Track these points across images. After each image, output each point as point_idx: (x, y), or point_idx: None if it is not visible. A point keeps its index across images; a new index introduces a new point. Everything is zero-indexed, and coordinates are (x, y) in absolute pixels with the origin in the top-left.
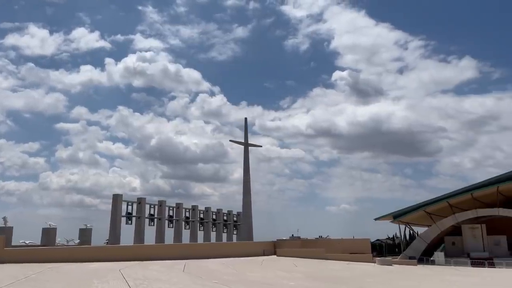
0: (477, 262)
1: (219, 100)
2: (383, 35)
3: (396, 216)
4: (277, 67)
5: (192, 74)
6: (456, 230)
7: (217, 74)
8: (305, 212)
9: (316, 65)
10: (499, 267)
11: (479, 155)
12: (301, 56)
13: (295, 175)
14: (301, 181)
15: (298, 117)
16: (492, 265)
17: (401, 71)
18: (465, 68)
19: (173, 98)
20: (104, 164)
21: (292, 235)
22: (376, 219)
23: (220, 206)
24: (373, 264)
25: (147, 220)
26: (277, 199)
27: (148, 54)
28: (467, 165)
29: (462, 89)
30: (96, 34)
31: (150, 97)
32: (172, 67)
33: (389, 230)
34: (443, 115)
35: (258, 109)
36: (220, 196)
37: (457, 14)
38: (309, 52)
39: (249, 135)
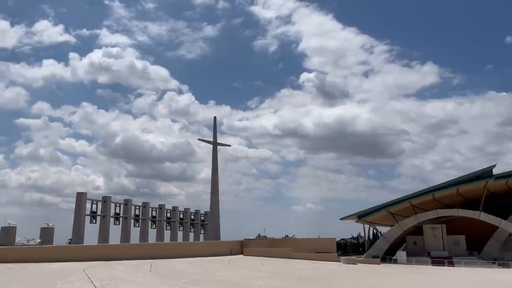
0: (437, 261)
1: (187, 98)
2: (349, 39)
3: (361, 216)
4: (245, 67)
5: (159, 72)
6: (417, 230)
7: (185, 72)
8: (271, 211)
9: (284, 66)
10: (458, 266)
11: (439, 157)
12: (270, 57)
13: (262, 175)
14: (268, 181)
15: (266, 118)
16: (451, 264)
17: (366, 74)
18: (427, 74)
19: (140, 95)
20: (66, 161)
21: (259, 234)
22: (341, 218)
23: (187, 206)
24: (338, 263)
25: (112, 219)
26: (244, 198)
27: (114, 50)
28: (427, 167)
29: (424, 94)
30: (60, 27)
31: (116, 93)
32: (139, 64)
33: (354, 229)
34: (406, 119)
35: (226, 109)
36: (187, 195)
37: (421, 21)
38: (277, 53)
39: (217, 134)
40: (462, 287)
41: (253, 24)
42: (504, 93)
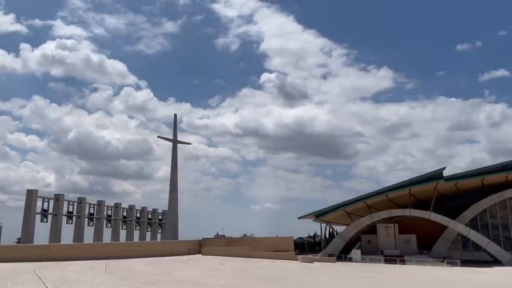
0: (390, 259)
1: (145, 94)
2: (309, 41)
3: (318, 215)
4: (206, 65)
5: (117, 66)
6: (372, 229)
7: (144, 68)
8: (230, 210)
9: (246, 65)
10: (409, 264)
11: (392, 159)
12: (231, 55)
13: (221, 174)
14: (227, 180)
15: (227, 116)
16: (403, 262)
17: (325, 77)
18: (382, 78)
19: (95, 90)
20: (15, 157)
21: (217, 233)
22: (299, 218)
23: (143, 204)
24: (296, 261)
25: (64, 218)
26: (203, 197)
27: (69, 42)
28: (381, 168)
29: (379, 97)
30: (11, 16)
31: (70, 87)
32: (95, 57)
33: (310, 228)
34: (362, 121)
35: (186, 106)
36: (144, 194)
37: (378, 26)
38: (239, 52)
39: (177, 132)
40: (412, 284)
41: (214, 22)
42: (454, 99)
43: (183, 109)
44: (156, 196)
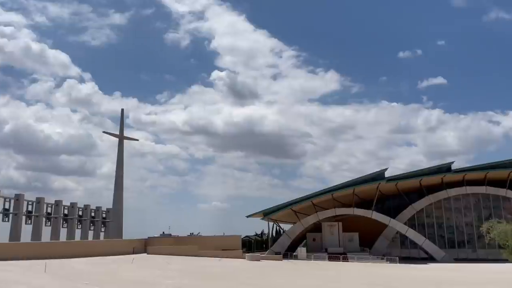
0: (333, 257)
1: (89, 88)
2: (260, 41)
3: (266, 214)
4: (155, 59)
5: (59, 57)
6: (317, 227)
7: (88, 60)
8: (177, 209)
9: (196, 62)
10: (352, 261)
11: (337, 160)
12: (182, 51)
13: (169, 172)
14: (174, 177)
15: (175, 113)
16: (346, 259)
17: (275, 77)
18: (329, 81)
19: (35, 81)
20: None
21: (163, 232)
22: (248, 216)
23: (84, 202)
24: (243, 259)
25: (0, 216)
26: (149, 195)
27: (7, 29)
28: (326, 168)
29: (326, 100)
30: None
31: (7, 77)
32: (36, 47)
33: (257, 227)
34: (309, 122)
35: (133, 101)
36: (86, 191)
37: (327, 30)
38: (189, 49)
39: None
40: (354, 280)
41: (165, 17)
42: (395, 103)
43: (130, 104)
44: (99, 194)
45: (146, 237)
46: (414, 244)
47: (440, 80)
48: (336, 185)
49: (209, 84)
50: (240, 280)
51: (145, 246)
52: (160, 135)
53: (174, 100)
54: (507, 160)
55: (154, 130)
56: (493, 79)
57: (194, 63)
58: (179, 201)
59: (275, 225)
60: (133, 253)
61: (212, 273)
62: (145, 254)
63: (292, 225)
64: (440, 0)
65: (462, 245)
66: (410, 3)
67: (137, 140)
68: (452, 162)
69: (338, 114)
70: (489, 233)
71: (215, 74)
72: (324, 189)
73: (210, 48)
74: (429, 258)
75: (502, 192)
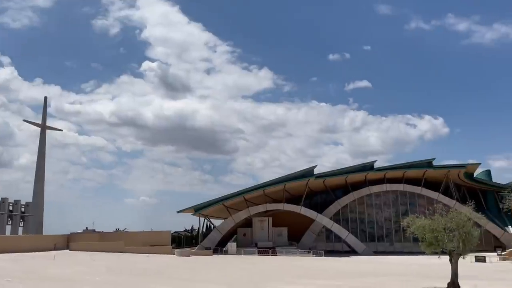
0: (263, 251)
1: (8, 73)
2: (194, 34)
3: (198, 209)
4: (81, 46)
5: None
6: (247, 223)
7: (8, 43)
8: (102, 204)
9: (126, 51)
10: (280, 255)
11: (268, 156)
12: (111, 39)
13: (93, 165)
14: (99, 171)
15: (102, 103)
16: (274, 253)
17: (208, 71)
18: (263, 79)
19: None
20: None
21: (87, 228)
22: (178, 211)
23: (0, 195)
24: (172, 255)
25: None
26: (71, 189)
27: None
28: (257, 164)
29: (259, 97)
30: None
31: None
32: None
33: (187, 222)
34: (242, 118)
35: (56, 89)
36: (1, 183)
37: (262, 28)
38: (119, 37)
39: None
40: (283, 273)
41: (93, 2)
42: (324, 104)
43: (52, 92)
44: (16, 186)
45: (69, 233)
46: (338, 238)
47: (365, 83)
48: (268, 181)
49: (139, 75)
50: (170, 276)
51: (67, 242)
52: (85, 126)
53: (100, 90)
54: (422, 160)
55: (78, 120)
56: (412, 85)
57: (123, 53)
58: (104, 195)
59: (206, 221)
60: (55, 249)
61: (141, 269)
62: (67, 251)
63: (223, 220)
64: (368, 7)
65: (381, 239)
66: (341, 8)
67: (61, 130)
68: (375, 161)
69: (270, 111)
70: (409, 227)
71: (146, 64)
72: (255, 185)
73: (141, 37)
74: (352, 251)
75: (417, 189)
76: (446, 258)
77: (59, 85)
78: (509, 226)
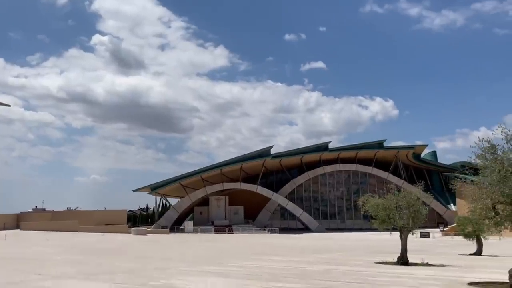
0: (220, 229)
1: None
2: (148, 7)
3: (154, 188)
4: (26, 17)
5: None
6: (204, 201)
7: None
8: (50, 182)
9: (75, 24)
10: (236, 233)
11: (223, 135)
12: (58, 10)
13: (40, 142)
14: (47, 148)
15: (49, 78)
16: (231, 231)
17: (162, 47)
18: (218, 56)
19: None
20: None
21: (36, 207)
22: (134, 190)
23: None
24: (129, 234)
25: None
26: (16, 167)
27: None
28: (213, 143)
29: (214, 75)
30: None
31: None
32: None
33: (140, 201)
34: (197, 96)
35: None
36: None
37: (216, 5)
38: (67, 8)
39: None
40: (240, 249)
41: None
42: (279, 84)
43: None
44: None
45: (18, 212)
46: (292, 216)
47: (320, 64)
48: (225, 160)
49: (89, 49)
50: (132, 254)
51: (17, 221)
52: (31, 101)
53: (47, 64)
54: (374, 141)
55: (24, 95)
56: (365, 67)
57: (72, 25)
58: (52, 173)
59: (161, 200)
60: (4, 229)
61: (100, 248)
62: (17, 230)
63: (179, 199)
64: None
65: (333, 217)
66: None
67: (9, 105)
68: (329, 142)
69: (226, 90)
70: (364, 206)
71: (96, 38)
72: (213, 164)
73: (91, 9)
74: (305, 229)
75: (369, 169)
76: (395, 235)
77: (2, 57)
78: (451, 204)
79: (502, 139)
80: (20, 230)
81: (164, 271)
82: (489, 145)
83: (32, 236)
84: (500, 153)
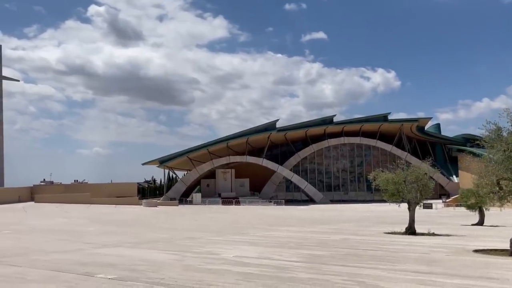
0: (227, 201)
1: None
2: None
3: (163, 161)
4: None
5: None
6: (211, 174)
7: None
8: (53, 155)
9: None
10: (243, 204)
11: (224, 108)
12: None
13: (41, 115)
14: (49, 121)
15: (47, 50)
16: (238, 203)
17: (161, 18)
18: (217, 27)
19: None
20: None
21: (44, 179)
22: (143, 164)
23: None
24: (140, 206)
25: None
26: (19, 140)
27: None
28: (213, 116)
29: (214, 46)
30: None
31: None
32: None
33: (145, 173)
34: (197, 68)
35: None
36: None
37: None
38: None
39: (1, 66)
40: (248, 218)
41: None
42: (280, 55)
43: None
44: None
45: (31, 185)
46: (297, 188)
47: (321, 35)
48: (231, 134)
49: (87, 20)
50: (154, 225)
51: (31, 194)
52: (30, 74)
53: (45, 35)
54: (378, 114)
55: (23, 67)
56: (367, 38)
57: None
58: (55, 146)
59: (169, 172)
60: (19, 201)
61: (120, 220)
62: (32, 203)
63: (186, 172)
64: None
65: (337, 188)
66: None
67: (18, 80)
68: (334, 115)
69: (226, 62)
70: (375, 180)
71: (93, 9)
72: (219, 138)
73: None
74: (310, 200)
75: (373, 142)
76: (395, 206)
77: None
78: (454, 176)
79: (507, 122)
80: (35, 202)
81: (196, 240)
82: (495, 127)
83: (50, 209)
84: (505, 135)
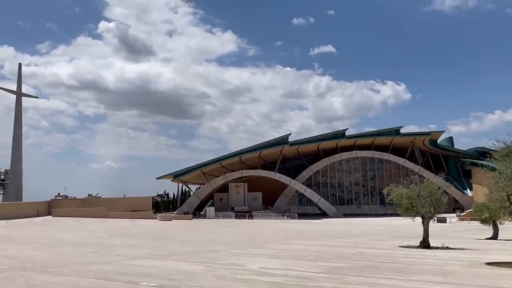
0: (240, 215)
1: None
2: None
3: (177, 176)
4: (35, 5)
5: None
6: (223, 188)
7: None
8: (65, 169)
9: (82, 11)
10: (256, 218)
11: (234, 121)
12: None
13: (54, 129)
14: (61, 135)
15: (59, 65)
16: (251, 217)
17: (170, 34)
18: (226, 42)
19: None
20: None
21: (59, 193)
22: (158, 178)
23: None
24: (155, 220)
25: None
26: (32, 154)
27: None
28: (224, 129)
29: (223, 61)
30: None
31: None
32: None
33: (158, 187)
34: (206, 83)
35: (9, 50)
36: None
37: None
38: None
39: (21, 82)
40: (264, 232)
41: None
42: (289, 68)
43: (5, 54)
44: None
45: (49, 199)
46: (310, 202)
47: (330, 48)
48: (244, 148)
49: (98, 36)
50: (174, 238)
51: (48, 208)
52: (42, 89)
53: (57, 52)
54: (390, 128)
55: (35, 83)
56: (376, 50)
57: (79, 12)
58: (67, 160)
59: (182, 186)
60: (37, 215)
61: (138, 234)
62: (50, 217)
63: (199, 186)
64: None
65: (350, 202)
66: None
67: (37, 97)
68: (346, 129)
69: (235, 76)
70: (389, 195)
71: (103, 25)
72: (232, 152)
73: None
74: (322, 214)
75: (385, 156)
76: (410, 220)
77: (12, 46)
78: (468, 189)
79: None
80: (52, 216)
81: (219, 253)
82: (504, 146)
83: (68, 223)
84: None
